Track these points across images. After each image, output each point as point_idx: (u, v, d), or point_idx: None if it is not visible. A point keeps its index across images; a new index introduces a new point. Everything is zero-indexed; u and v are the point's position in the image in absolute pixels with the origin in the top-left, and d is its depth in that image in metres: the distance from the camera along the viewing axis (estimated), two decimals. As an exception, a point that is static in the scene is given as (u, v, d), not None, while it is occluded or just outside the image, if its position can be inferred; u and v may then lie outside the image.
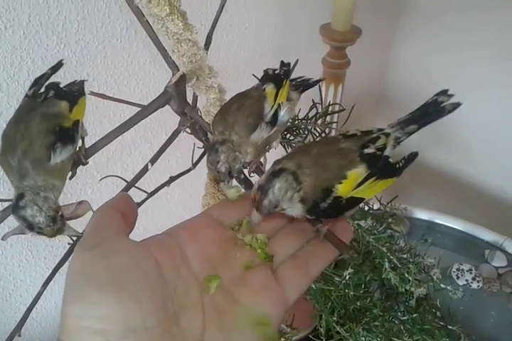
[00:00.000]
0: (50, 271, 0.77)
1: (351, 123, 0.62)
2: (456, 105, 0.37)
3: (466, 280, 0.77)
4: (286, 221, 0.36)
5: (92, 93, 0.34)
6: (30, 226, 0.32)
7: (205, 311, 0.30)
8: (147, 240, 0.31)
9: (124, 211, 0.31)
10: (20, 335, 0.37)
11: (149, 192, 0.41)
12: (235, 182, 0.38)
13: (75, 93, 0.39)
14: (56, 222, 0.33)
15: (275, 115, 0.37)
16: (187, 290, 0.30)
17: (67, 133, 0.35)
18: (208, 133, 0.39)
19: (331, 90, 0.72)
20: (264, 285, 0.32)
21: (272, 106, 0.37)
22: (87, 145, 0.39)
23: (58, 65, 0.41)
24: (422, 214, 0.89)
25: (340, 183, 0.33)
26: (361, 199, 0.34)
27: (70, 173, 0.37)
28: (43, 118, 0.35)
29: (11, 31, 0.58)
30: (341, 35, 0.71)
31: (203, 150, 0.44)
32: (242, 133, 0.35)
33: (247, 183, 0.40)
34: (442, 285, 0.44)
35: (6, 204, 0.37)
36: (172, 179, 0.42)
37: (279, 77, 0.39)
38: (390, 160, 0.36)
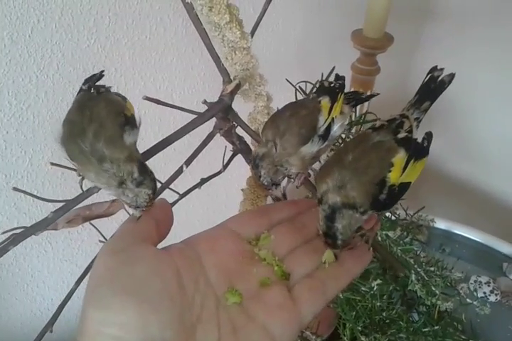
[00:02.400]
0: (67, 263, 0.78)
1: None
2: (452, 75, 0.40)
3: (484, 293, 0.76)
4: (304, 240, 0.36)
5: (147, 98, 0.34)
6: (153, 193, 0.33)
7: (220, 326, 0.29)
8: (169, 249, 0.31)
9: (159, 219, 0.31)
10: (52, 331, 0.37)
11: (181, 193, 0.41)
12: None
13: (119, 95, 0.38)
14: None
15: (328, 129, 0.37)
16: (204, 303, 0.29)
17: (131, 120, 0.35)
18: (251, 140, 0.39)
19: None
20: (280, 303, 0.31)
21: (326, 119, 0.37)
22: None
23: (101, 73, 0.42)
24: (441, 224, 0.88)
25: (390, 171, 0.34)
26: (409, 184, 0.35)
27: None
28: (108, 103, 0.35)
29: (44, 24, 0.59)
30: (373, 41, 0.70)
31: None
32: (292, 143, 0.35)
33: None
34: (469, 300, 0.44)
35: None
36: (203, 181, 0.42)
37: (334, 90, 0.39)
38: (418, 141, 0.37)
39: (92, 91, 0.36)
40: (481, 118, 1.03)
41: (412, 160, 0.35)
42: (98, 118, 0.33)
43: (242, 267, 0.33)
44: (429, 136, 0.37)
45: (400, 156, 0.34)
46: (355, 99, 0.42)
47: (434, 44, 1.03)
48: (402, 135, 0.36)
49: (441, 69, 0.40)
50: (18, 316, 0.76)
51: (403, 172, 0.34)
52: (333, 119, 0.37)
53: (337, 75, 0.43)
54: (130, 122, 0.34)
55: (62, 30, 0.60)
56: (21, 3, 0.55)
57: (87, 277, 0.39)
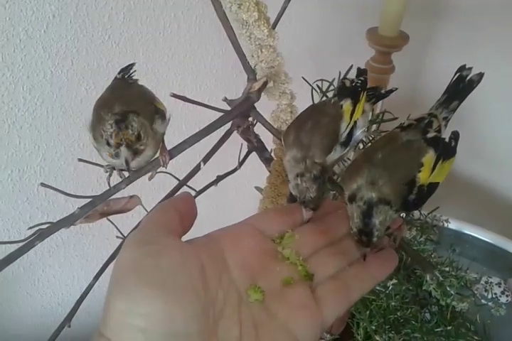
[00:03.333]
0: (78, 258, 0.78)
1: (383, 128, 0.61)
2: (481, 75, 0.40)
3: (495, 294, 0.75)
4: (328, 242, 0.35)
5: (174, 95, 0.34)
6: (115, 122, 0.32)
7: (242, 323, 0.29)
8: (193, 243, 0.31)
9: (183, 212, 0.31)
10: (70, 326, 0.37)
11: (198, 190, 0.41)
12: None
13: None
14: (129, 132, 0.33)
15: (350, 134, 0.37)
16: (226, 299, 0.29)
17: (162, 113, 0.35)
18: (273, 138, 0.39)
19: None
20: (303, 303, 0.31)
21: (348, 124, 0.37)
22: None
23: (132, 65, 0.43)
24: (451, 224, 0.87)
25: (420, 171, 0.34)
26: (437, 184, 0.35)
27: (149, 174, 0.37)
28: (141, 92, 0.36)
29: (59, 20, 0.59)
30: (389, 40, 0.70)
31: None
32: (318, 155, 0.35)
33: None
34: (483, 301, 0.44)
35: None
36: (219, 178, 0.42)
37: (356, 89, 0.39)
38: (446, 140, 0.37)
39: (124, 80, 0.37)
40: (493, 118, 1.02)
41: (441, 160, 0.35)
42: (129, 101, 0.34)
43: (265, 265, 0.32)
44: (456, 136, 0.37)
45: (430, 156, 0.34)
46: (376, 95, 0.41)
47: (447, 42, 1.02)
48: (431, 135, 0.36)
49: (470, 69, 0.40)
50: (28, 310, 0.77)
51: (432, 172, 0.34)
52: (355, 122, 0.37)
53: (359, 69, 0.42)
54: (160, 113, 0.35)
55: (77, 26, 0.60)
56: (37, -2, 0.56)
57: (104, 273, 0.39)
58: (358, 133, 0.37)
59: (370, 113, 0.41)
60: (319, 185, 0.35)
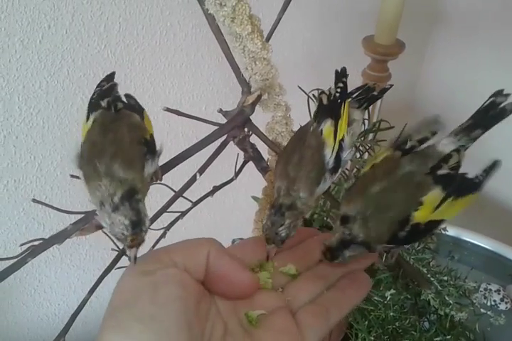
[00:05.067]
0: (75, 269, 0.78)
1: (380, 136, 0.61)
2: None
3: (494, 301, 0.75)
4: (306, 267, 0.36)
5: (168, 109, 0.34)
6: (136, 223, 0.30)
7: None
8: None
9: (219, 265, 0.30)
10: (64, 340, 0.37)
11: (194, 201, 0.40)
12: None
13: (135, 106, 0.38)
14: (143, 234, 0.31)
15: (338, 157, 0.35)
16: (213, 330, 0.29)
17: (151, 146, 0.34)
18: (268, 149, 0.39)
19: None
20: (285, 328, 0.31)
21: (333, 148, 0.35)
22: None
23: (112, 75, 0.41)
24: (450, 231, 0.87)
25: (417, 210, 0.32)
26: (441, 221, 0.33)
27: None
28: (130, 129, 0.34)
29: (54, 30, 0.59)
30: (385, 48, 0.70)
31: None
32: (306, 190, 0.34)
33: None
34: (483, 310, 0.43)
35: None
36: (215, 189, 0.42)
37: (335, 103, 0.36)
38: (467, 176, 0.35)
39: (109, 109, 0.35)
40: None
41: (451, 198, 0.33)
42: (120, 145, 0.32)
43: None
44: (490, 169, 0.34)
45: (434, 195, 0.32)
46: (367, 98, 0.39)
47: (443, 50, 1.03)
48: (442, 172, 0.33)
49: (507, 95, 0.36)
50: (25, 321, 0.76)
51: (435, 209, 0.32)
52: (340, 143, 0.35)
53: (336, 73, 0.39)
54: (150, 149, 0.33)
55: (72, 36, 0.60)
56: (32, 8, 0.56)
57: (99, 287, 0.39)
58: (346, 155, 0.36)
59: (361, 121, 0.38)
60: (287, 224, 0.34)
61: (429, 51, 1.06)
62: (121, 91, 0.41)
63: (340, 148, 0.36)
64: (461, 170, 0.35)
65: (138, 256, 0.30)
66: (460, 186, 0.33)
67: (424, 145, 0.35)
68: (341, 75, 0.38)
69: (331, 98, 0.37)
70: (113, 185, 0.30)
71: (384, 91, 0.40)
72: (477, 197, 0.34)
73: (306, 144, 0.36)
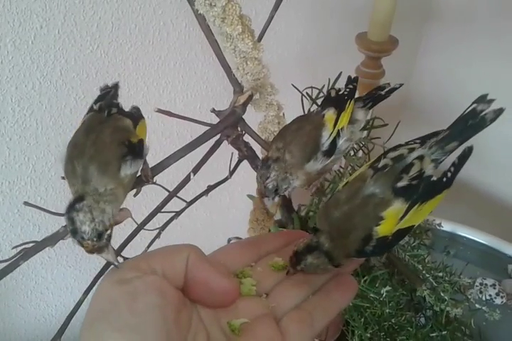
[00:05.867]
0: (71, 269, 0.77)
1: (374, 133, 0.61)
2: (499, 112, 0.33)
3: (490, 296, 0.76)
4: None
5: (159, 110, 0.33)
6: (74, 232, 0.31)
7: None
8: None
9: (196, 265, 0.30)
10: (60, 342, 0.37)
11: (188, 201, 0.40)
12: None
13: (134, 115, 0.38)
14: (101, 239, 0.31)
15: (333, 143, 0.36)
16: (195, 339, 0.29)
17: (136, 149, 0.34)
18: (260, 149, 0.39)
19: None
20: (269, 337, 0.31)
21: (331, 133, 0.36)
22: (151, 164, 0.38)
23: (117, 86, 0.41)
24: (445, 226, 0.88)
25: (379, 225, 0.32)
26: (411, 227, 0.33)
27: (134, 191, 0.36)
28: (114, 130, 0.34)
29: (46, 30, 0.59)
30: (378, 45, 0.70)
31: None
32: (297, 158, 0.35)
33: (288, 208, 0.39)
34: (478, 306, 0.44)
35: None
36: (210, 188, 0.42)
37: (342, 98, 0.38)
38: (433, 178, 0.34)
39: (101, 112, 0.36)
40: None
41: (418, 204, 0.32)
42: (101, 145, 0.33)
43: None
44: (460, 161, 0.33)
45: (395, 208, 0.32)
46: (373, 98, 0.40)
47: (436, 46, 1.03)
48: (402, 184, 0.32)
49: (490, 102, 0.34)
50: (21, 323, 0.76)
51: (401, 219, 0.32)
52: (338, 132, 0.36)
53: (349, 78, 0.41)
54: (133, 151, 0.34)
55: (65, 36, 0.60)
56: (24, 9, 0.55)
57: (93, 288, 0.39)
58: (342, 142, 0.37)
59: (363, 123, 0.39)
60: (274, 177, 0.34)
61: (423, 47, 1.06)
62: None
63: (338, 136, 0.36)
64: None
65: (119, 260, 0.30)
66: (426, 191, 0.33)
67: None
68: (353, 80, 0.40)
69: (339, 93, 0.38)
70: (77, 188, 0.32)
71: (392, 90, 0.40)
72: (447, 192, 0.34)
73: (307, 120, 0.37)
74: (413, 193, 0.32)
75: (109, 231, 0.31)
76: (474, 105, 0.34)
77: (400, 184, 0.32)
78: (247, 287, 0.33)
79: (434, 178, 0.34)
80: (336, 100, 0.38)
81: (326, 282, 0.35)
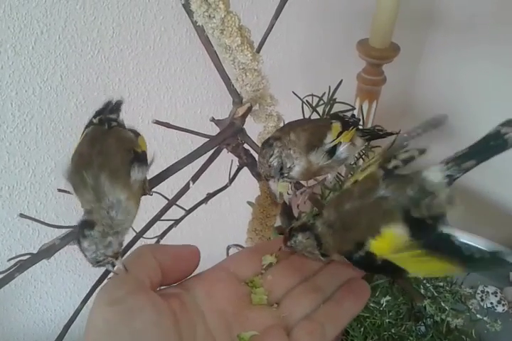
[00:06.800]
0: (70, 274, 0.77)
1: (374, 141, 0.61)
2: None
3: (491, 304, 0.75)
4: (302, 278, 0.35)
5: (157, 122, 0.33)
6: (81, 250, 0.32)
7: None
8: (167, 294, 0.31)
9: (165, 259, 0.31)
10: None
11: (187, 209, 0.40)
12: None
13: (133, 129, 0.38)
14: (103, 264, 0.32)
15: (334, 148, 0.36)
16: None
17: (141, 157, 0.35)
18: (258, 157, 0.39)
19: (364, 107, 0.71)
20: None
21: (334, 140, 0.37)
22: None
23: (120, 102, 0.41)
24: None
25: (374, 239, 0.30)
26: (401, 270, 0.31)
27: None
28: (118, 140, 0.34)
29: (47, 35, 0.59)
30: (379, 51, 0.70)
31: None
32: (303, 140, 0.35)
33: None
34: (479, 316, 0.43)
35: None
36: (209, 196, 0.42)
37: (347, 123, 0.39)
38: (453, 238, 0.31)
39: (102, 125, 0.36)
40: (486, 126, 1.02)
41: (423, 251, 0.29)
42: (107, 154, 0.33)
43: (240, 311, 0.32)
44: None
45: (395, 233, 0.30)
46: (372, 134, 0.41)
47: (438, 53, 1.03)
48: (416, 215, 0.30)
49: None
50: (21, 327, 0.76)
51: (395, 251, 0.30)
52: (340, 143, 0.37)
53: (353, 115, 0.44)
54: (139, 159, 0.34)
55: (65, 42, 0.60)
56: (24, 14, 0.55)
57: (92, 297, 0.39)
58: (342, 150, 0.37)
59: (359, 149, 0.40)
60: (277, 153, 0.34)
61: (424, 54, 1.06)
62: (116, 96, 0.41)
63: (338, 145, 0.37)
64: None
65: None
66: (440, 245, 0.30)
67: (409, 165, 0.33)
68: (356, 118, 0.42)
69: (345, 119, 0.40)
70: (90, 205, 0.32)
71: (389, 134, 0.42)
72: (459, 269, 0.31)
73: (318, 120, 0.39)
74: (423, 231, 0.30)
75: (117, 258, 0.32)
76: (499, 127, 0.32)
77: (415, 214, 0.30)
78: (258, 296, 0.33)
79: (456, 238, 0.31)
80: (343, 120, 0.39)
81: (338, 288, 0.34)
